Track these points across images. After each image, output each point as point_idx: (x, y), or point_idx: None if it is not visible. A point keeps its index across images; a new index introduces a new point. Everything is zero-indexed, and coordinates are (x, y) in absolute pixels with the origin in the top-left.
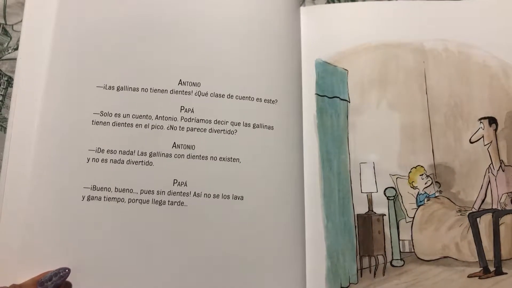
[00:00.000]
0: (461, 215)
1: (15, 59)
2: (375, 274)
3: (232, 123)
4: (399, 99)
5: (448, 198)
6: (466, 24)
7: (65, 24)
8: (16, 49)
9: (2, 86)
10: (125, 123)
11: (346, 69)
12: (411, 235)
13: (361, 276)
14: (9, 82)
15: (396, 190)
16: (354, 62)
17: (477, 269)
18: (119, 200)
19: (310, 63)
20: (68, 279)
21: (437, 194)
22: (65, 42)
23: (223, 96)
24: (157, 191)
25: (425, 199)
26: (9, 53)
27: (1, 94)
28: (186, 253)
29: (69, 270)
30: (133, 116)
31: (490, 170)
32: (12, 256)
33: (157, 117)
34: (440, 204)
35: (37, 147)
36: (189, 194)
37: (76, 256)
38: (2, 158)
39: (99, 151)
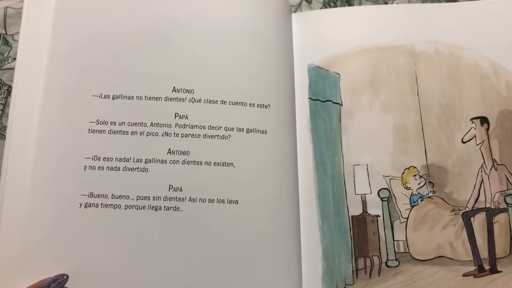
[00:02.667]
0: (455, 214)
1: None
2: (370, 275)
3: (225, 129)
4: (391, 101)
5: (441, 198)
6: (457, 26)
7: (62, 34)
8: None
9: (2, 95)
10: (121, 130)
11: (338, 73)
12: (406, 235)
13: (357, 277)
14: (9, 91)
15: (389, 191)
16: (346, 66)
17: (472, 268)
18: (115, 206)
19: (303, 68)
20: (67, 285)
21: (430, 194)
22: (62, 53)
23: (216, 102)
24: (153, 197)
25: (419, 200)
26: (9, 62)
27: (1, 103)
28: (182, 258)
29: (67, 276)
30: (129, 124)
31: (482, 169)
32: (11, 263)
33: (152, 124)
34: (433, 204)
35: (35, 156)
36: (184, 199)
37: (74, 262)
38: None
39: (95, 158)
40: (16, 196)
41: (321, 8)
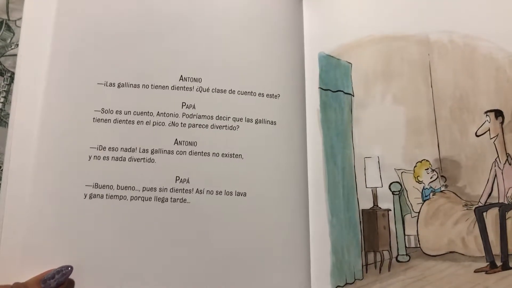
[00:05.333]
0: (467, 209)
1: None
2: (380, 269)
3: (234, 119)
4: (404, 92)
5: (454, 193)
6: (472, 16)
7: (65, 20)
8: None
9: (5, 82)
10: (127, 120)
11: (349, 62)
12: (417, 230)
13: (367, 272)
14: (13, 78)
15: (401, 185)
16: (358, 55)
17: (484, 264)
18: (121, 197)
19: (313, 56)
20: (71, 276)
21: (442, 189)
22: (65, 39)
23: (224, 91)
24: (160, 188)
25: (431, 194)
26: (12, 48)
27: (4, 90)
28: (189, 250)
29: (71, 268)
30: (135, 113)
31: (496, 164)
32: (15, 254)
33: (158, 114)
34: (446, 198)
35: (39, 145)
36: (191, 191)
37: (78, 254)
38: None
39: (100, 148)
40: (19, 186)
41: None
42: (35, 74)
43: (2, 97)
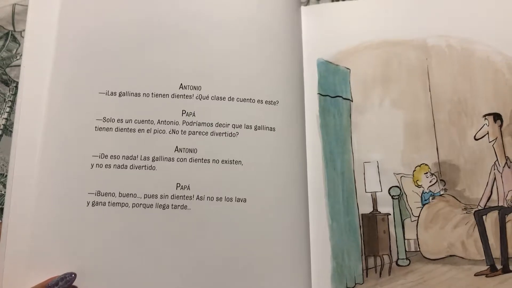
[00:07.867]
0: (466, 213)
1: None
2: (381, 274)
3: (233, 126)
4: (402, 97)
5: (453, 196)
6: (469, 20)
7: (67, 31)
8: None
9: (11, 92)
10: (128, 128)
11: (348, 68)
12: (417, 234)
13: (367, 276)
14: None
15: (400, 189)
16: (356, 61)
17: (484, 267)
18: (123, 205)
19: (312, 62)
20: (74, 283)
21: (442, 193)
22: (67, 50)
23: (224, 99)
24: (161, 195)
25: (430, 198)
26: (17, 59)
27: (10, 100)
28: (190, 256)
29: (75, 274)
30: (135, 121)
31: (495, 167)
32: (20, 261)
33: (159, 122)
34: (445, 202)
35: (42, 154)
36: (192, 197)
37: (82, 261)
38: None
39: (102, 156)
40: (23, 194)
41: (331, 1)
42: (38, 84)
43: (8, 107)
